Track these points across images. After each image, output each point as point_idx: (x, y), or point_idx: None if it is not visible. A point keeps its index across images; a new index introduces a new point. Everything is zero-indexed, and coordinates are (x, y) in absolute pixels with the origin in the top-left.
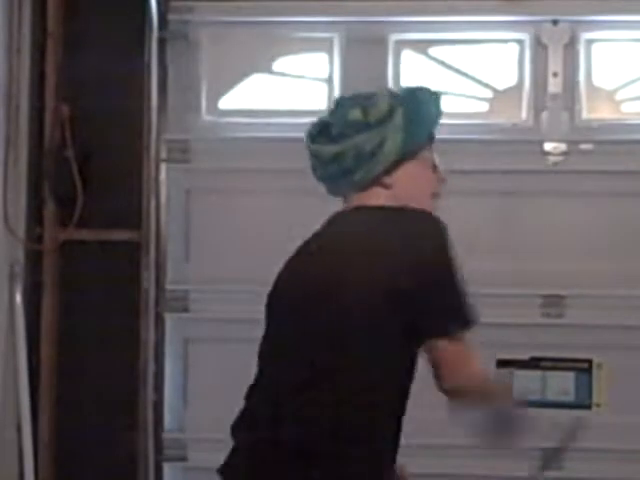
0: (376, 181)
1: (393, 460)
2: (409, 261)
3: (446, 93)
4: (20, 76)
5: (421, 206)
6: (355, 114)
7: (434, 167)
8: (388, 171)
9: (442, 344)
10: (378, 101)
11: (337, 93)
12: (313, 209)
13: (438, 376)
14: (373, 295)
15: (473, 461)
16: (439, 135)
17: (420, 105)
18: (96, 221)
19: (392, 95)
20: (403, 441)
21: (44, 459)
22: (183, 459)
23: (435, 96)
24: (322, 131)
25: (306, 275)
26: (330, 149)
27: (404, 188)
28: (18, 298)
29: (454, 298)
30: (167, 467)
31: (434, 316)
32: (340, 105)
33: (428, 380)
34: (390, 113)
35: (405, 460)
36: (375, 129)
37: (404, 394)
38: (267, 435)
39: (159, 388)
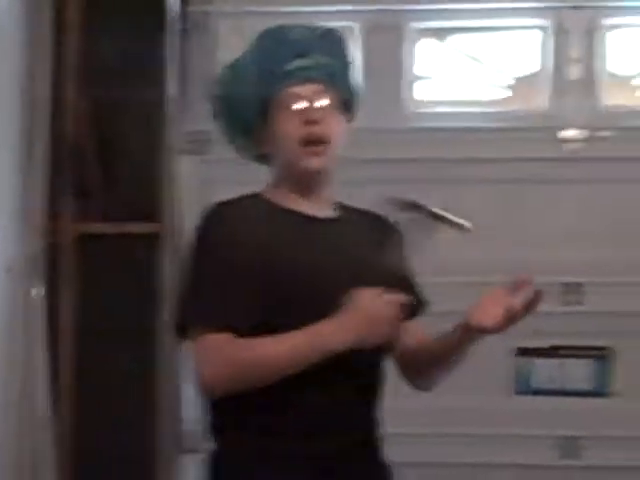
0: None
1: None
2: None
3: (465, 81)
4: (39, 68)
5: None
6: None
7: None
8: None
9: None
10: None
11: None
12: None
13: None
14: None
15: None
16: (459, 123)
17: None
18: (114, 214)
19: None
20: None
21: (63, 454)
22: (200, 451)
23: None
24: None
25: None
26: None
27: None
28: (34, 292)
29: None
30: (186, 459)
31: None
32: None
33: None
34: None
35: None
36: None
37: None
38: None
39: (176, 379)
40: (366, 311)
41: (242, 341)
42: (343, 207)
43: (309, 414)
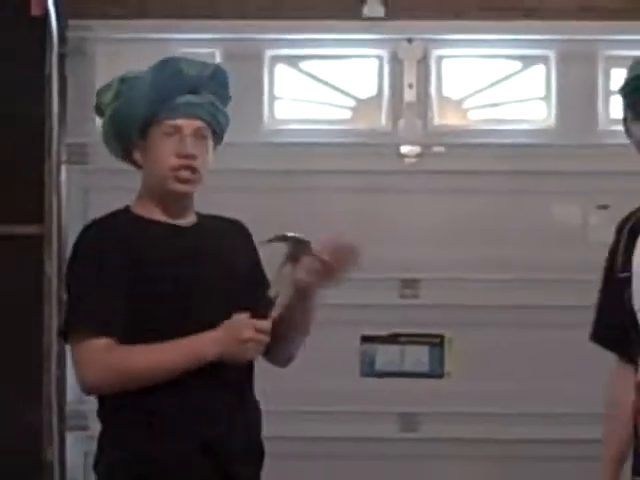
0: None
1: None
2: None
3: (316, 102)
4: None
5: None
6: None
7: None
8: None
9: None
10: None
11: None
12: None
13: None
14: None
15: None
16: (307, 139)
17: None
18: (2, 216)
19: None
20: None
21: None
22: (84, 428)
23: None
24: None
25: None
26: None
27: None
28: None
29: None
30: (70, 436)
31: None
32: None
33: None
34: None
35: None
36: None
37: None
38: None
39: (62, 365)
40: (236, 333)
41: (125, 349)
42: (202, 215)
43: (193, 400)
